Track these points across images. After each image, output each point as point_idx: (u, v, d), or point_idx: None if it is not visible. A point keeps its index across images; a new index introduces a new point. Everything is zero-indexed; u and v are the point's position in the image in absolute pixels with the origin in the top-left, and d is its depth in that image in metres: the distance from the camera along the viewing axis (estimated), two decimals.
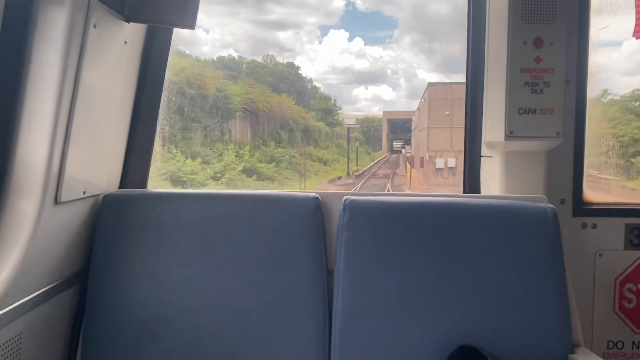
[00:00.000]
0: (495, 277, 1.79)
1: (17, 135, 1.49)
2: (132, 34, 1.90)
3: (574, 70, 2.25)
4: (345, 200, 1.88)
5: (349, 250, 1.81)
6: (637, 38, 2.31)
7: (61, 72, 1.49)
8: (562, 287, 1.80)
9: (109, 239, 1.82)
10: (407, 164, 25.28)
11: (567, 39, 2.11)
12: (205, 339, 1.76)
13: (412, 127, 31.73)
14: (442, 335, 1.74)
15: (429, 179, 20.71)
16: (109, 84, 1.81)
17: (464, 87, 2.45)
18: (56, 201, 1.56)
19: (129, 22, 1.79)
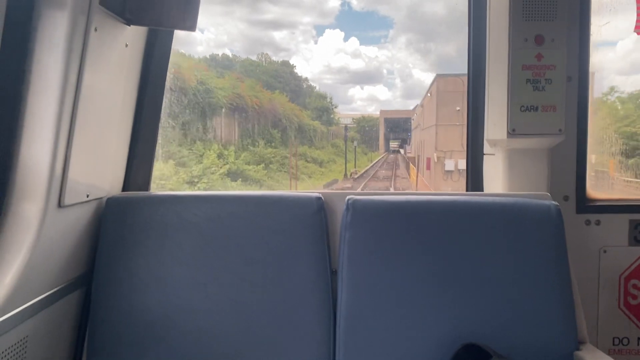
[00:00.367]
0: (500, 275, 1.79)
1: (20, 139, 1.49)
2: (133, 36, 1.90)
3: (575, 66, 2.25)
4: (348, 200, 1.88)
5: (352, 250, 1.81)
6: (638, 34, 2.30)
7: (63, 76, 1.49)
8: (567, 284, 1.80)
9: (112, 241, 1.82)
10: (411, 165, 23.72)
11: (568, 36, 2.11)
12: (210, 340, 1.76)
13: (413, 126, 30.81)
14: (447, 333, 1.73)
15: (437, 183, 18.64)
16: (110, 87, 1.81)
17: None
18: (60, 205, 1.57)
19: (129, 25, 1.80)
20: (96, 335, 1.77)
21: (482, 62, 2.32)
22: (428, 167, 20.08)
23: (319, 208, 1.88)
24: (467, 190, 2.46)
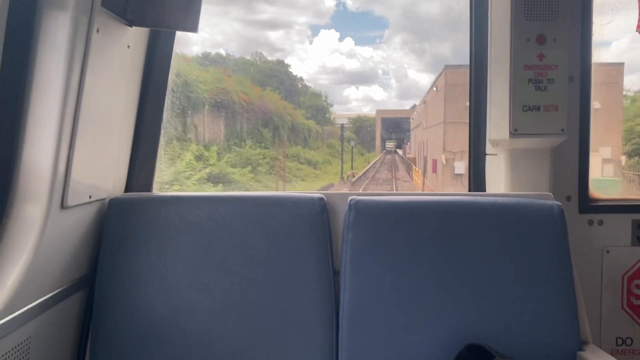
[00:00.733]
0: (502, 275, 1.78)
1: (23, 141, 1.50)
2: (135, 38, 1.91)
3: (577, 66, 2.25)
4: (351, 200, 1.88)
5: (355, 251, 1.81)
6: None
7: (65, 77, 1.49)
8: (570, 284, 1.79)
9: (115, 242, 1.83)
10: (414, 167, 22.22)
11: (570, 35, 2.10)
12: (213, 340, 1.76)
13: (412, 125, 29.89)
14: (449, 334, 1.73)
15: (446, 189, 16.09)
16: (112, 88, 1.81)
17: None
18: (62, 206, 1.57)
19: (131, 26, 1.80)
20: (99, 336, 1.77)
21: (483, 62, 2.32)
22: (434, 170, 17.97)
23: (321, 208, 1.88)
24: (469, 191, 2.46)
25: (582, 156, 2.32)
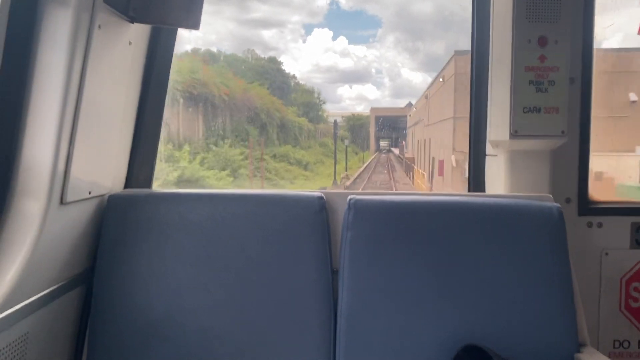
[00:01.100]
0: (501, 276, 1.79)
1: (23, 136, 1.50)
2: (136, 34, 1.91)
3: (578, 68, 2.25)
4: (350, 199, 1.88)
5: (354, 250, 1.81)
6: None
7: (66, 73, 1.49)
8: (568, 286, 1.79)
9: (114, 239, 1.83)
10: (416, 169, 20.87)
11: (572, 37, 2.11)
12: (211, 339, 1.76)
13: (411, 122, 28.45)
14: (447, 334, 1.73)
15: None
16: (113, 84, 1.81)
17: None
18: (62, 201, 1.57)
19: (133, 23, 1.80)
20: (97, 332, 1.77)
21: (485, 63, 2.32)
22: (440, 172, 15.42)
23: (320, 207, 1.88)
24: (469, 191, 2.46)
25: (582, 158, 2.32)
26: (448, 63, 16.03)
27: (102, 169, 1.85)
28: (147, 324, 1.76)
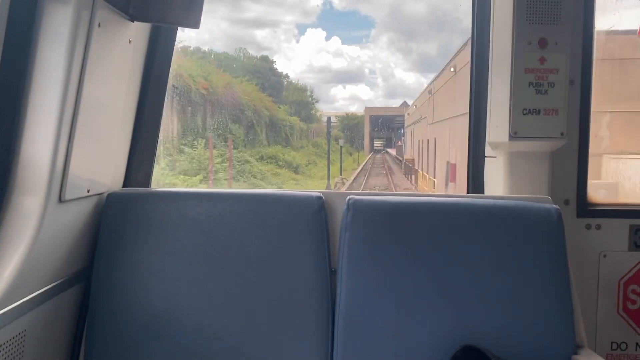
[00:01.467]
0: (499, 277, 1.79)
1: (22, 133, 1.49)
2: (136, 33, 1.90)
3: (578, 70, 2.25)
4: (349, 199, 1.88)
5: (352, 250, 1.81)
6: None
7: (66, 71, 1.49)
8: (566, 287, 1.80)
9: (112, 237, 1.83)
10: (420, 172, 19.74)
11: (572, 40, 2.11)
12: (209, 337, 1.76)
13: (410, 121, 26.94)
14: (445, 335, 1.73)
15: None
16: (113, 83, 1.81)
17: None
18: (60, 199, 1.57)
19: (133, 22, 1.80)
20: (94, 330, 1.77)
21: (485, 64, 2.32)
22: (452, 179, 13.49)
23: (319, 207, 1.88)
24: (467, 193, 2.46)
25: (581, 160, 2.32)
26: (461, 48, 13.86)
27: (101, 167, 1.85)
28: (145, 322, 1.76)
